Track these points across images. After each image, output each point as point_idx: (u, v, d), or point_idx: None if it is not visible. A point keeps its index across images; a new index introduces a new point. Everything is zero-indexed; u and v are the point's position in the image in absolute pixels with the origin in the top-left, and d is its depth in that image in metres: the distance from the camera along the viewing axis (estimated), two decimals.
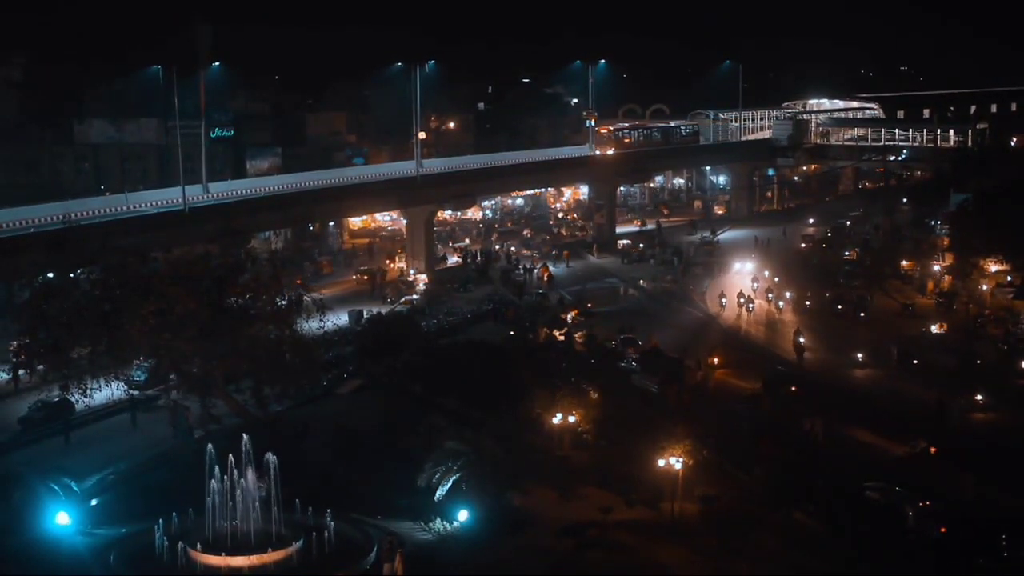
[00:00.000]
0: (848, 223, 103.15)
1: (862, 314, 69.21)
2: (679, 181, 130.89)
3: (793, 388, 50.81)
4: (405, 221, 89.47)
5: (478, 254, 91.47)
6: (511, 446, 41.44)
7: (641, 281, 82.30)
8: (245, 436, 35.58)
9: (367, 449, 42.31)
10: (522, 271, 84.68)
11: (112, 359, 43.74)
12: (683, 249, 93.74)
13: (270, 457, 34.93)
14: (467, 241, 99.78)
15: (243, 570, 32.76)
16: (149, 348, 43.99)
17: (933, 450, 43.41)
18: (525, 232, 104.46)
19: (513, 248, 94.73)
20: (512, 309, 69.92)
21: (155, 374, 48.95)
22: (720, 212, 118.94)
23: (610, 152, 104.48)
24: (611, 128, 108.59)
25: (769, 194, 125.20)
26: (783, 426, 44.33)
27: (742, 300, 71.88)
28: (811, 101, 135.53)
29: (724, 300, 72.65)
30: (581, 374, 51.55)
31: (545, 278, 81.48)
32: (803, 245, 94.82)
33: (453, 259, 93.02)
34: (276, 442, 37.93)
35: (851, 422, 47.67)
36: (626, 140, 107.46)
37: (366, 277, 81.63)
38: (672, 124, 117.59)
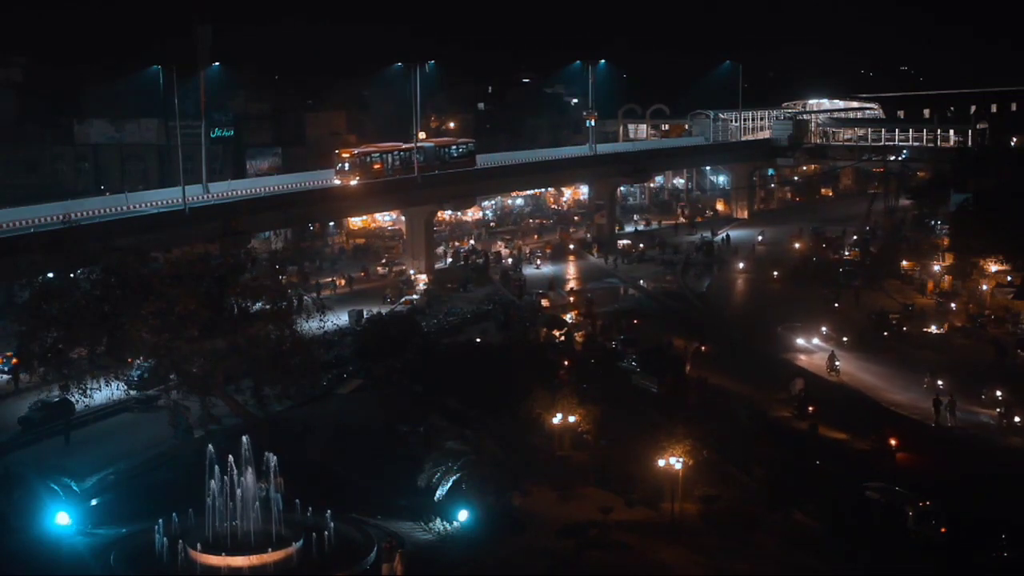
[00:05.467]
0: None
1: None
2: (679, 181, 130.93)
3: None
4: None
5: (476, 254, 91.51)
6: (511, 446, 41.44)
7: (641, 281, 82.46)
8: (245, 436, 35.61)
9: (367, 449, 42.32)
10: (519, 270, 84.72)
11: (112, 359, 43.75)
12: (684, 249, 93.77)
13: (270, 457, 34.97)
14: (471, 243, 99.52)
15: (243, 570, 32.80)
16: (149, 348, 43.98)
17: (705, 349, 61.22)
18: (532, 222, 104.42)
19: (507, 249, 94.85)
20: (514, 310, 69.92)
21: (155, 374, 48.97)
22: (709, 213, 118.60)
23: (353, 183, 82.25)
24: (354, 152, 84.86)
25: (763, 194, 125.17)
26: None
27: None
28: (811, 101, 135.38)
29: (838, 364, 59.47)
30: (581, 374, 51.49)
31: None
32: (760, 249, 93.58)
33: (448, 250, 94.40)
34: (276, 442, 37.95)
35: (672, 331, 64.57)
36: (376, 166, 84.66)
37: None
38: (438, 144, 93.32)
